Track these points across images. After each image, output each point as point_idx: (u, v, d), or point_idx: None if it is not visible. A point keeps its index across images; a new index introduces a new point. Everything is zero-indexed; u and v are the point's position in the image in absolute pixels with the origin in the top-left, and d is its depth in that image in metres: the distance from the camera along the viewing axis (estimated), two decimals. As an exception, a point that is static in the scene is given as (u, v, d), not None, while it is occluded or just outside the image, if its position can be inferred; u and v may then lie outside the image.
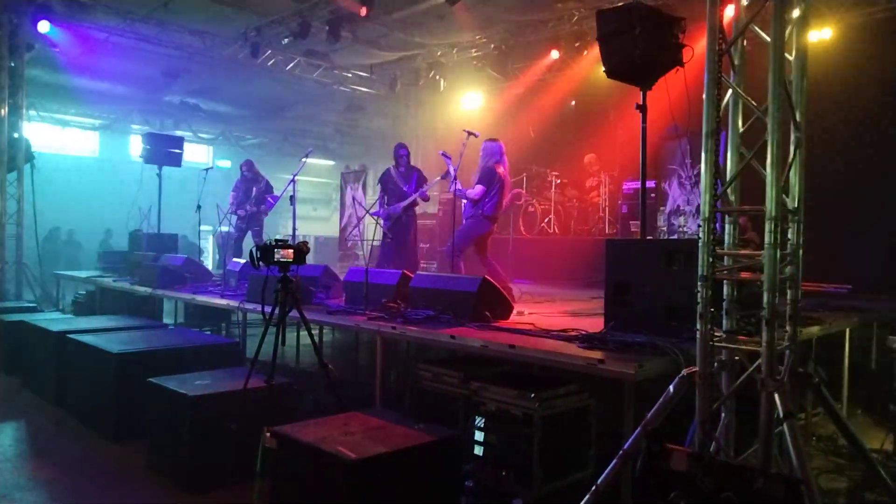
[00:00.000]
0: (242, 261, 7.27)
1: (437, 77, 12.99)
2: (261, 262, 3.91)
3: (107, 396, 4.77)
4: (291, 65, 12.53)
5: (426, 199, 7.30)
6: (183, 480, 3.91)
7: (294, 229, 7.46)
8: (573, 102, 11.28)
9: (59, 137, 16.43)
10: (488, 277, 5.01)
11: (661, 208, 9.46)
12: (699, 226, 3.04)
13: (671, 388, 3.06)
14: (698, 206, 3.19)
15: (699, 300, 2.97)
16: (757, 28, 3.08)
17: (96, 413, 4.93)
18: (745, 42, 3.28)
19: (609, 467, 3.02)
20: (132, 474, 4.13)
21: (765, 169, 2.84)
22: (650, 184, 8.29)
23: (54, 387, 5.58)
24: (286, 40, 11.04)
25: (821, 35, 8.01)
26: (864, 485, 3.78)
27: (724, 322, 3.13)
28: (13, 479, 4.02)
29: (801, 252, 3.06)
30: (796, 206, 3.05)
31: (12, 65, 9.63)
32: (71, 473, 4.16)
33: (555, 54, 10.94)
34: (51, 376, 5.62)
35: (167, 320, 8.10)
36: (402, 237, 7.16)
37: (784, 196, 2.92)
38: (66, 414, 5.32)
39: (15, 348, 6.55)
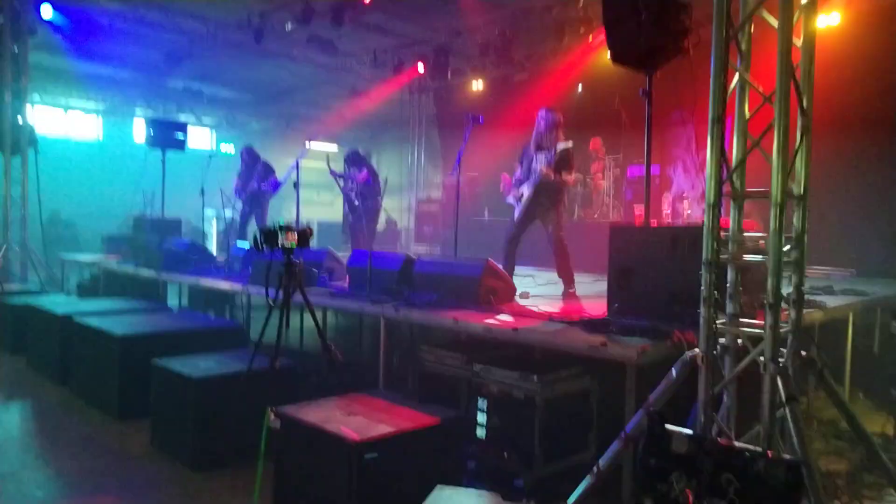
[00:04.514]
0: (247, 245, 7.29)
1: (442, 62, 12.92)
2: (265, 247, 3.93)
3: (111, 378, 4.80)
4: (295, 50, 12.48)
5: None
6: (187, 459, 3.95)
7: (298, 214, 7.47)
8: (580, 88, 11.22)
9: (62, 122, 16.40)
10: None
11: (666, 193, 9.45)
12: (704, 211, 3.04)
13: (673, 371, 3.08)
14: (703, 191, 3.19)
15: (703, 284, 2.97)
16: (765, 13, 3.05)
17: (101, 394, 4.97)
18: (752, 27, 3.26)
19: (610, 449, 3.05)
20: (137, 453, 4.17)
21: (771, 155, 2.83)
22: (655, 169, 8.27)
23: (59, 368, 5.62)
24: (289, 25, 10.99)
25: (829, 20, 7.95)
26: (864, 467, 3.80)
27: (728, 306, 3.14)
28: (20, 457, 4.07)
29: (805, 237, 3.06)
30: (802, 191, 3.05)
31: (15, 49, 9.59)
32: (77, 452, 4.20)
33: (559, 39, 10.87)
34: (56, 359, 5.66)
35: (171, 303, 8.13)
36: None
37: (790, 182, 2.92)
38: (71, 395, 5.37)
39: (20, 331, 6.59)
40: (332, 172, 8.96)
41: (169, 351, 4.42)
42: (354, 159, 9.21)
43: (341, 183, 9.08)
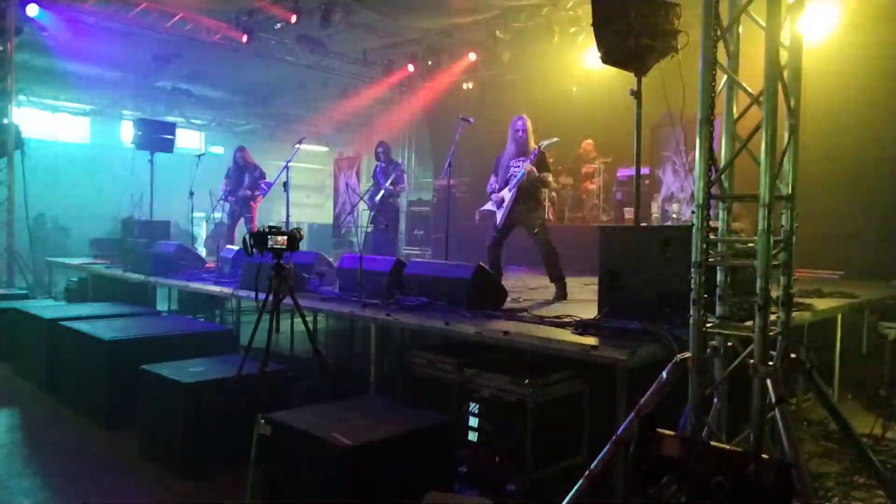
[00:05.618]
0: (236, 248, 7.25)
1: (432, 62, 12.91)
2: (254, 249, 3.90)
3: (99, 383, 4.76)
4: (284, 50, 12.42)
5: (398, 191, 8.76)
6: (176, 467, 3.92)
7: (287, 216, 7.43)
8: (574, 89, 11.21)
9: (49, 123, 16.25)
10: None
11: (655, 195, 9.48)
12: (693, 212, 3.04)
13: (664, 373, 3.07)
14: (692, 192, 3.19)
15: (692, 286, 2.97)
16: (752, 13, 3.06)
17: (89, 400, 4.92)
18: (740, 28, 3.26)
19: (602, 453, 3.04)
20: (125, 461, 4.13)
21: (759, 156, 2.83)
22: (644, 171, 8.28)
23: (46, 374, 5.57)
24: (279, 25, 10.94)
25: (819, 23, 7.98)
26: (854, 469, 3.82)
27: (717, 308, 3.14)
28: (7, 467, 4.02)
29: (794, 238, 3.06)
30: (790, 192, 3.05)
31: (1, 49, 9.51)
32: (64, 460, 4.16)
33: (550, 39, 10.88)
34: (43, 363, 5.60)
35: (160, 307, 8.07)
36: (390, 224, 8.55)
37: (778, 182, 2.92)
38: (59, 401, 5.31)
39: (7, 335, 6.52)
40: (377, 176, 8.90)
41: (158, 356, 4.39)
42: (389, 155, 9.05)
43: (382, 184, 8.76)
